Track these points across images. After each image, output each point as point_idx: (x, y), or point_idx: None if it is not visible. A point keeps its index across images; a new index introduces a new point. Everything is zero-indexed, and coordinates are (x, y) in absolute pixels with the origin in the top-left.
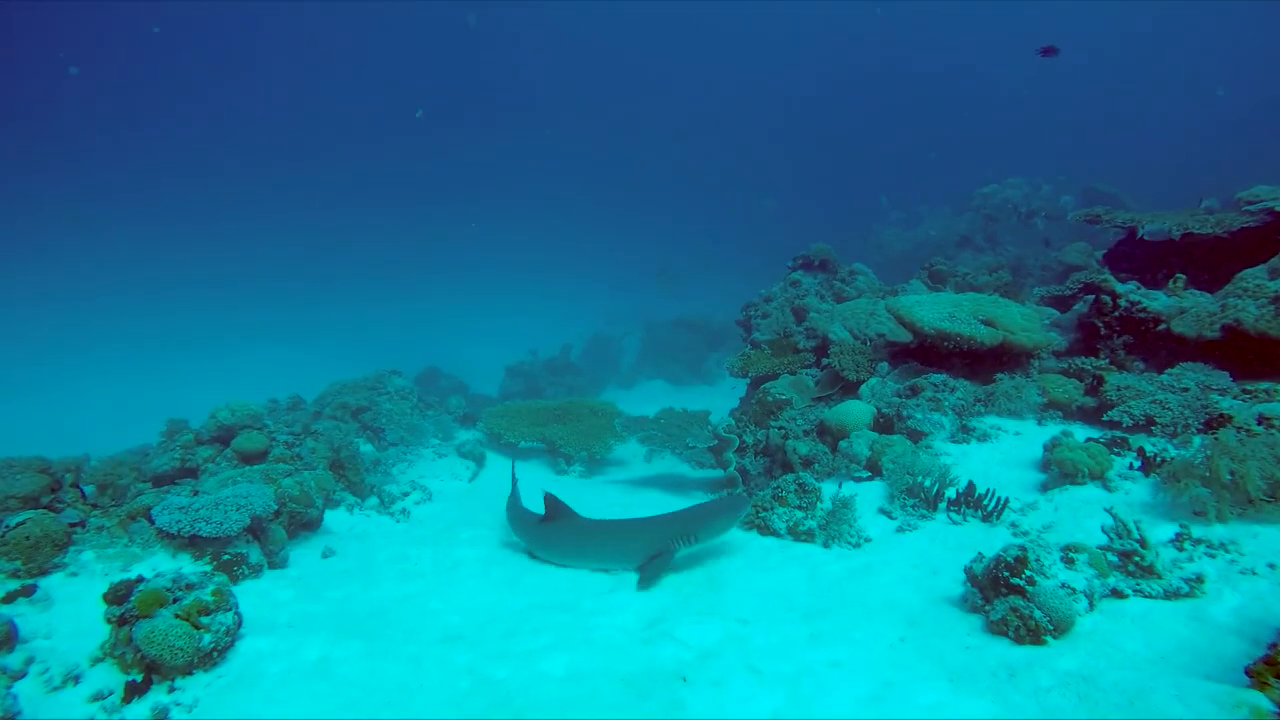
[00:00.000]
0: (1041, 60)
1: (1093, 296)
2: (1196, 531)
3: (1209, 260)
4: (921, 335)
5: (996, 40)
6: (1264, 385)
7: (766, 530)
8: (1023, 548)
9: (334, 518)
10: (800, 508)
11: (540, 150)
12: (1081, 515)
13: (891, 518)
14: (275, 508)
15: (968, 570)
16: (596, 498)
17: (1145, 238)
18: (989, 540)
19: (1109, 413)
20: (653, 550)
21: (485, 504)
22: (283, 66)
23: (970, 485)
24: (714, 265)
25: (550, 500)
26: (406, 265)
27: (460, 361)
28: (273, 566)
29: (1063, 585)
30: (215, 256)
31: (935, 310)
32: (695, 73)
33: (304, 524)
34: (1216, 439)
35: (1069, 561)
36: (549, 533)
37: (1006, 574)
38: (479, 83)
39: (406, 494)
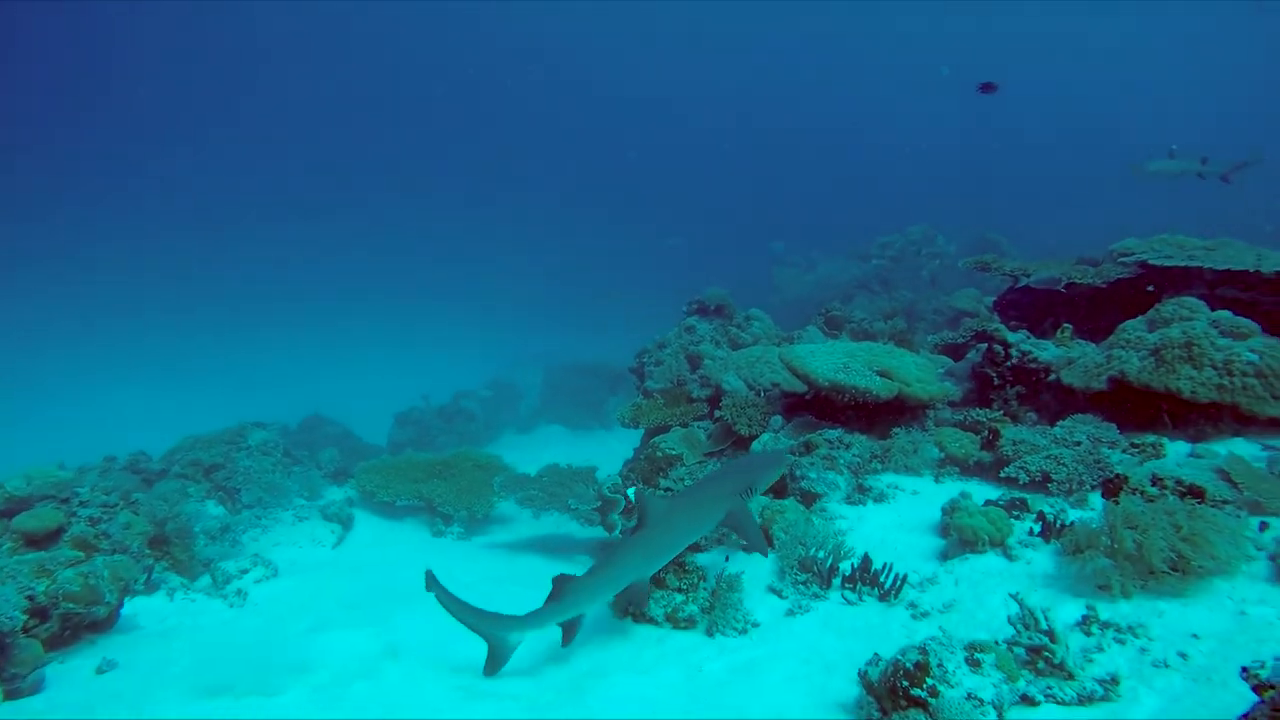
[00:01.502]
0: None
1: (985, 345)
2: (1103, 612)
3: (1091, 309)
4: (815, 387)
5: (896, 93)
6: (1149, 438)
7: (642, 618)
8: (923, 650)
9: (147, 607)
10: (680, 590)
11: (439, 185)
12: (984, 591)
13: (782, 597)
14: (21, 619)
15: (862, 675)
16: (469, 566)
17: (1033, 286)
18: (886, 624)
19: (1005, 469)
20: (724, 512)
21: (346, 577)
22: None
23: (866, 560)
24: (616, 301)
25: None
26: (296, 298)
27: (352, 407)
28: (13, 696)
29: (969, 695)
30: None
31: (829, 361)
32: (609, 109)
33: (90, 625)
34: (1118, 506)
35: (974, 664)
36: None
37: (906, 683)
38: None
39: (246, 571)
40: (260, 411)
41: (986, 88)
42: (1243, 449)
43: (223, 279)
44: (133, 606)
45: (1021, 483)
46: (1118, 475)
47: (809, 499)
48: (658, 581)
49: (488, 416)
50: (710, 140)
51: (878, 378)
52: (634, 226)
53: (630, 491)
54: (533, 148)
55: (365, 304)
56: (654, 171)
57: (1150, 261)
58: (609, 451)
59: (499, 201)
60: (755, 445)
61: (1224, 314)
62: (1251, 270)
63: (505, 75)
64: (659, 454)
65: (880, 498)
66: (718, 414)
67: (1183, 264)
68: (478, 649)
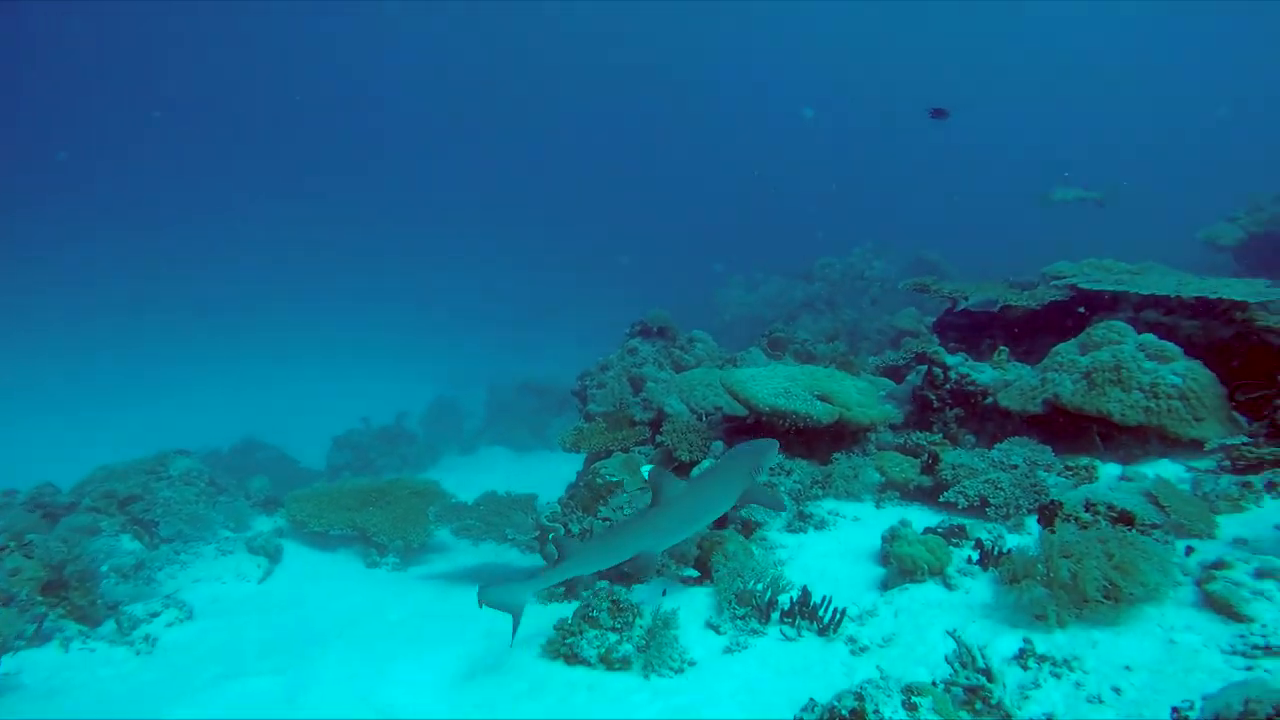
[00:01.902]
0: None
1: (925, 368)
2: (1040, 644)
3: (1025, 331)
4: (756, 412)
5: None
6: (1082, 461)
7: (575, 659)
8: (859, 695)
9: (35, 661)
10: (615, 629)
11: (393, 197)
12: (923, 622)
13: (720, 633)
14: None
15: None
16: (401, 601)
17: (971, 308)
18: (825, 661)
19: (945, 494)
20: (740, 492)
21: (270, 616)
22: None
23: (805, 593)
24: (564, 319)
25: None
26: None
27: (291, 429)
28: None
29: None
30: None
31: (770, 385)
32: (558, 122)
33: None
34: (1054, 535)
35: (911, 707)
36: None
37: None
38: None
39: (157, 614)
40: (194, 436)
41: (938, 113)
42: (1169, 470)
43: (156, 294)
44: (15, 662)
45: (961, 507)
46: (1053, 502)
47: (749, 528)
48: (590, 621)
49: (430, 438)
50: (657, 159)
51: (819, 403)
52: (583, 243)
53: (645, 470)
54: (480, 163)
55: (306, 320)
56: (603, 189)
57: (1081, 286)
58: (553, 474)
59: (447, 216)
60: (694, 471)
61: (1149, 337)
62: (1172, 295)
63: (448, 84)
64: (599, 480)
65: (821, 525)
66: (659, 439)
67: (1111, 289)
68: (403, 693)
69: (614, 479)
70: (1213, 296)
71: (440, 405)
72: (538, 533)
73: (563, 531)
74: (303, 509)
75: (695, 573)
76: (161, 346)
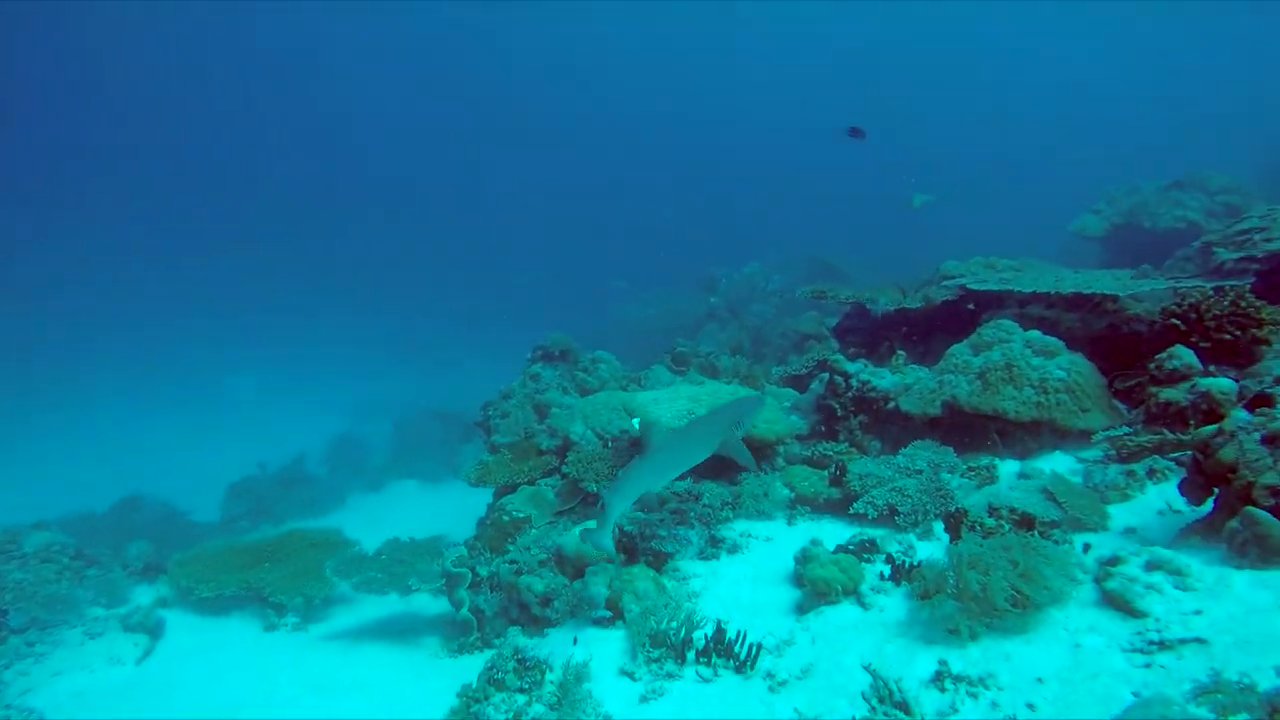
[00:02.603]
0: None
1: (827, 375)
2: (955, 663)
3: (921, 331)
4: None
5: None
6: (983, 460)
7: None
8: None
9: None
10: (523, 689)
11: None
12: (840, 648)
13: (635, 679)
14: None
15: None
16: (297, 673)
17: (871, 312)
18: (744, 701)
19: (855, 504)
20: (719, 442)
21: (147, 705)
22: None
23: (720, 630)
24: (472, 341)
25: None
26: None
27: (180, 480)
28: None
29: None
30: None
31: (673, 408)
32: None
33: None
34: (961, 547)
35: None
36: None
37: None
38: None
39: None
40: (65, 496)
41: (855, 133)
42: (1062, 462)
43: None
44: None
45: (871, 518)
46: (958, 510)
47: (660, 560)
48: (496, 684)
49: (334, 477)
50: (559, 175)
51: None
52: (489, 261)
53: (636, 422)
54: (379, 181)
55: (198, 356)
56: (506, 206)
57: (969, 286)
58: (465, 507)
59: (348, 232)
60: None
61: (1035, 334)
62: (1052, 291)
63: (330, 94)
64: (505, 518)
65: (734, 549)
66: (564, 469)
67: (996, 288)
68: None
69: (521, 515)
70: (1087, 292)
71: (344, 441)
72: (444, 580)
73: (470, 577)
74: (189, 573)
75: (608, 613)
76: (25, 389)
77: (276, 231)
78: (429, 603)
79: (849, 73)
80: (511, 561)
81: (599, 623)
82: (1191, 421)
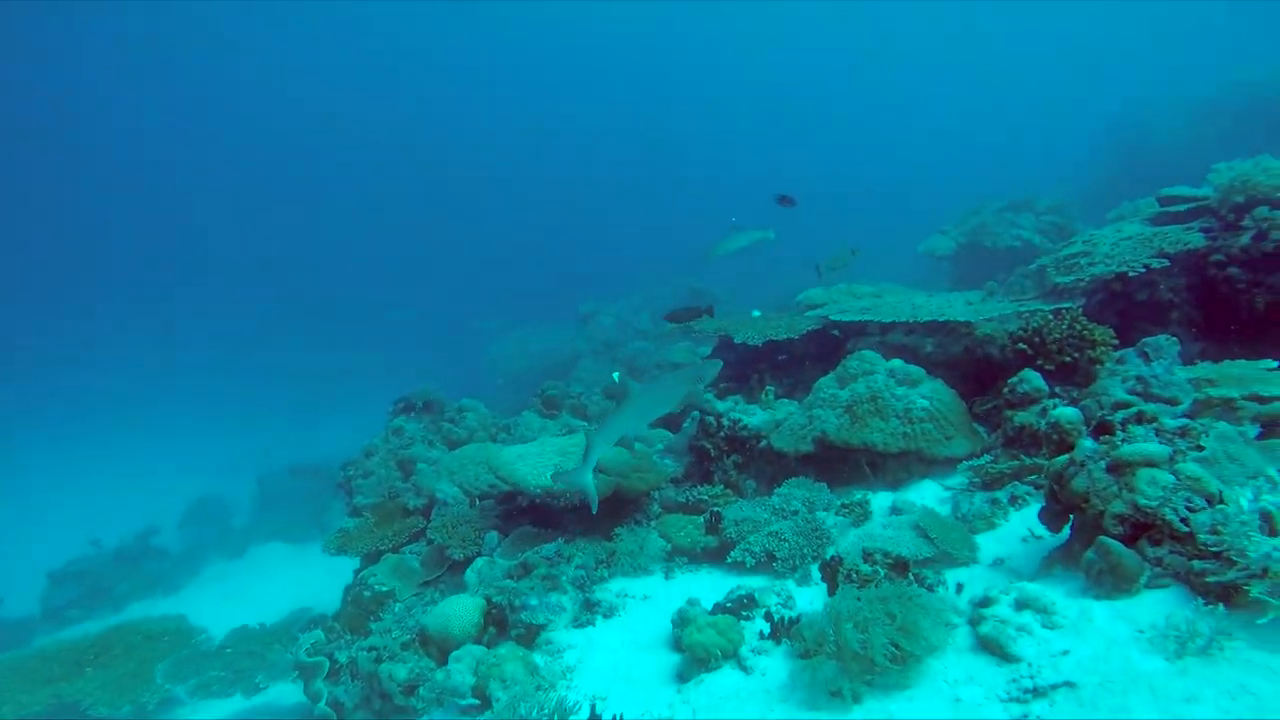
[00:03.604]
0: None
1: (698, 414)
2: None
3: (790, 362)
4: (528, 496)
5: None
6: (857, 495)
7: None
8: None
9: None
10: None
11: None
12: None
13: None
14: None
15: None
16: None
17: (738, 343)
18: None
19: (732, 553)
20: (685, 391)
21: None
22: None
23: (594, 715)
24: (341, 386)
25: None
26: None
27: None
28: None
29: None
30: None
31: (540, 462)
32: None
33: None
34: (838, 602)
35: None
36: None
37: None
38: None
39: None
40: None
41: (784, 201)
42: (930, 491)
43: None
44: None
45: (749, 565)
46: (834, 558)
47: (532, 632)
48: None
49: (190, 546)
50: (430, 208)
51: (593, 475)
52: (359, 297)
53: (615, 375)
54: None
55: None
56: (375, 247)
57: (832, 317)
58: (335, 570)
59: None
60: (469, 573)
61: (897, 363)
62: (909, 320)
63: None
64: (366, 594)
65: (610, 612)
66: (429, 534)
67: (858, 318)
68: None
69: (384, 588)
70: (942, 320)
71: (202, 505)
72: (298, 672)
73: (326, 666)
74: None
75: (475, 701)
76: None
77: (120, 274)
78: (288, 691)
79: (718, 102)
80: (371, 648)
81: (467, 711)
82: (1045, 449)
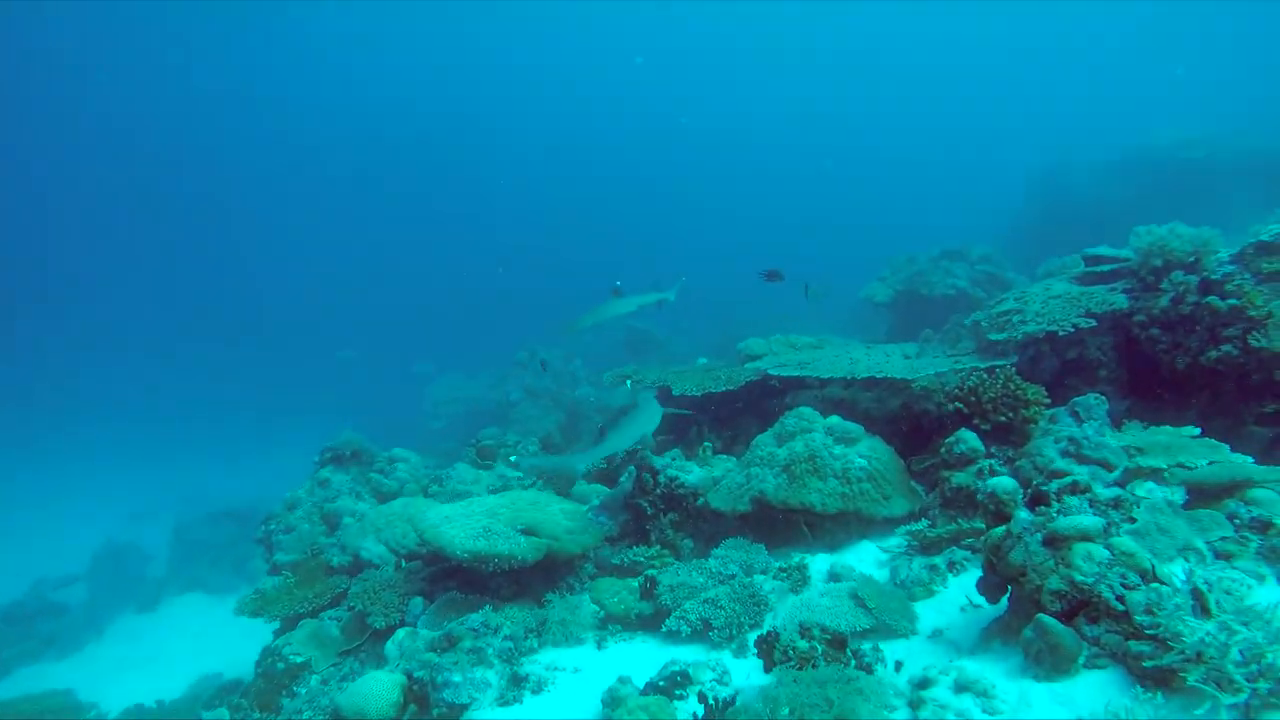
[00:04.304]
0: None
1: (635, 469)
2: None
3: (729, 413)
4: (455, 560)
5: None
6: (795, 559)
7: None
8: None
9: None
10: None
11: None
12: None
13: None
14: None
15: None
16: None
17: (676, 395)
18: None
19: (667, 621)
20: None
21: None
22: None
23: None
24: (271, 431)
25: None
26: None
27: None
28: None
29: None
30: None
31: (468, 525)
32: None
33: None
34: (774, 694)
35: None
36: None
37: None
38: None
39: None
40: None
41: (772, 275)
42: (868, 553)
43: None
44: None
45: (684, 635)
46: (770, 633)
47: (455, 712)
48: None
49: (96, 600)
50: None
51: (522, 539)
52: (302, 337)
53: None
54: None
55: None
56: (323, 276)
57: (771, 372)
58: (257, 625)
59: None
60: (390, 646)
61: (835, 420)
62: (848, 376)
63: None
64: (280, 665)
65: (539, 687)
66: (349, 600)
67: (796, 374)
68: None
69: (299, 659)
70: (880, 377)
71: (110, 552)
72: None
73: None
74: None
75: None
76: None
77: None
78: None
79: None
80: None
81: None
82: (983, 516)
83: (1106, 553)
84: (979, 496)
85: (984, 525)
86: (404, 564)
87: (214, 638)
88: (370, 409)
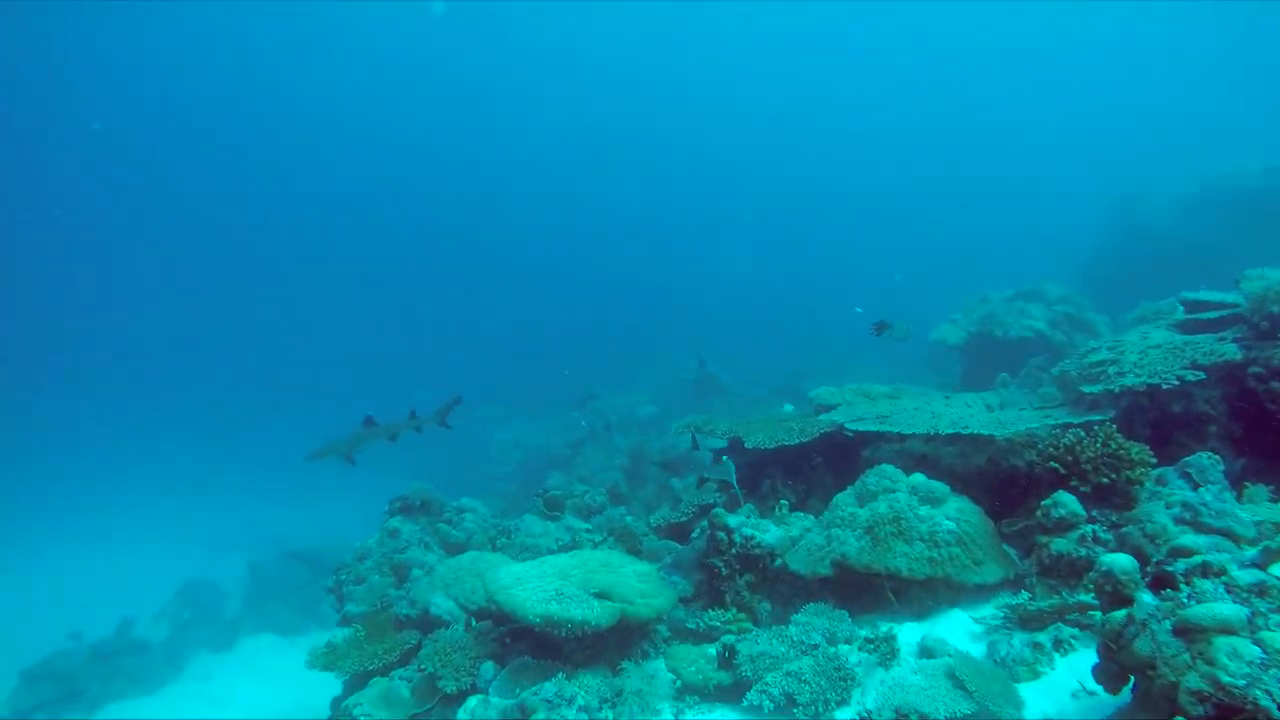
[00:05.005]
0: None
1: (707, 524)
2: None
3: (802, 466)
4: (527, 625)
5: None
6: (882, 629)
7: None
8: None
9: None
10: None
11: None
12: None
13: None
14: None
15: None
16: None
17: (749, 447)
18: None
19: (748, 694)
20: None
21: None
22: None
23: None
24: (339, 475)
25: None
26: None
27: None
28: None
29: None
30: None
31: (540, 588)
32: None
33: None
34: None
35: None
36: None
37: None
38: None
39: None
40: None
41: (881, 327)
42: (960, 623)
43: None
44: None
45: (767, 710)
46: (863, 718)
47: None
48: None
49: (176, 638)
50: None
51: (596, 603)
52: (372, 377)
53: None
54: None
55: None
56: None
57: (847, 427)
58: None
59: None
60: (462, 714)
61: (919, 479)
62: (930, 433)
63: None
64: None
65: None
66: (420, 662)
67: (875, 428)
68: None
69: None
70: (965, 434)
71: (190, 591)
72: None
73: None
74: None
75: None
76: None
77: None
78: None
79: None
80: None
81: None
82: (1095, 595)
83: (1257, 650)
84: (1092, 575)
85: (1092, 600)
86: (474, 623)
87: (285, 681)
88: (431, 451)
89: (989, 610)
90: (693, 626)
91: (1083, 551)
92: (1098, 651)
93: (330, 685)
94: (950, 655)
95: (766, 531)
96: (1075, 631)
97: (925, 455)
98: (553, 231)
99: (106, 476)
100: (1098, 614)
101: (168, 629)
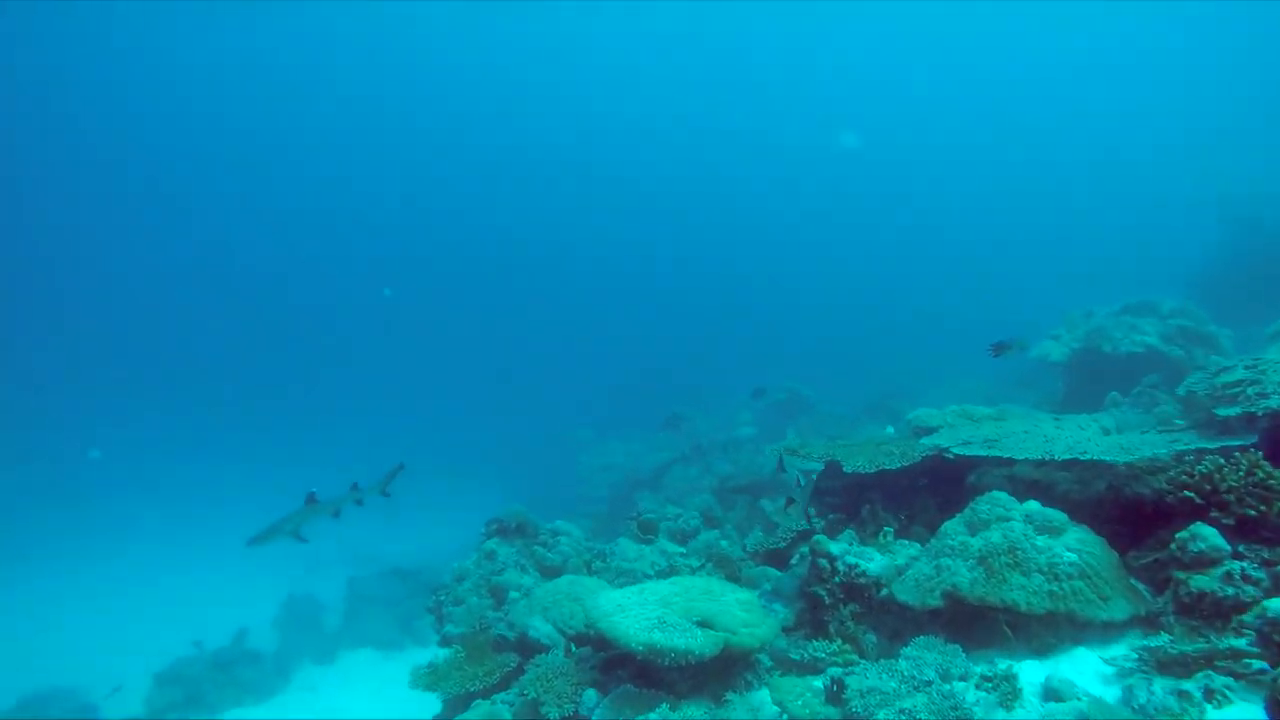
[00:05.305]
0: None
1: (808, 550)
2: None
3: (904, 491)
4: (630, 654)
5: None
6: (1001, 666)
7: None
8: None
9: None
10: None
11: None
12: None
13: None
14: None
15: None
16: None
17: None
18: None
19: None
20: None
21: None
22: None
23: None
24: (437, 489)
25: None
26: None
27: (107, 663)
28: None
29: None
30: None
31: (642, 616)
32: None
33: None
34: None
35: None
36: None
37: None
38: None
39: None
40: None
41: (999, 347)
42: (1088, 664)
43: None
44: None
45: None
46: None
47: None
48: None
49: (282, 649)
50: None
51: (699, 632)
52: (444, 405)
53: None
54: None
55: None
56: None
57: (952, 451)
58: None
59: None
60: None
61: (1034, 506)
62: (1043, 458)
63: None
64: None
65: None
66: (522, 687)
67: (982, 453)
68: None
69: None
70: (1084, 459)
71: (294, 604)
72: None
73: None
74: None
75: None
76: None
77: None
78: None
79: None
80: None
81: None
82: (1265, 650)
83: None
84: (1248, 618)
85: (1248, 646)
86: (573, 648)
87: (382, 694)
88: (522, 470)
89: (1120, 650)
90: (796, 657)
91: (1229, 590)
92: (1267, 708)
93: (427, 700)
94: (1080, 699)
95: (871, 560)
96: (1229, 681)
97: (1037, 481)
98: (633, 250)
99: (218, 485)
100: (1254, 662)
101: (277, 640)
